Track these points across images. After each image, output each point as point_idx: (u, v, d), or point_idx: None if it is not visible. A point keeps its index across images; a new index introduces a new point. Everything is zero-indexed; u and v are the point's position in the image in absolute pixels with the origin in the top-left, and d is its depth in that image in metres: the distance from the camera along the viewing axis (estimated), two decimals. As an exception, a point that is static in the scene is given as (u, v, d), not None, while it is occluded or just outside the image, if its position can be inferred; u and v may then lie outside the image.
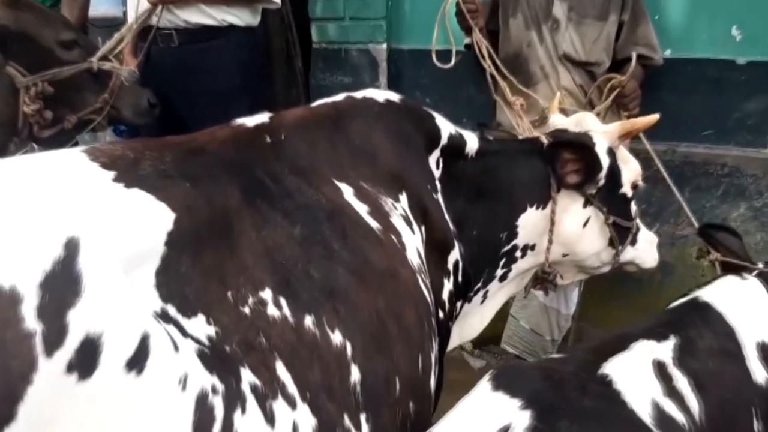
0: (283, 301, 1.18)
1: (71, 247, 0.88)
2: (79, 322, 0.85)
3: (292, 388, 1.13)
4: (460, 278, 1.79)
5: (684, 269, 3.31)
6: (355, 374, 1.23)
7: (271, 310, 1.16)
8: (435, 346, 1.53)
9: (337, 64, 3.99)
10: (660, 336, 1.42)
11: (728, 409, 1.37)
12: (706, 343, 1.44)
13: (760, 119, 3.18)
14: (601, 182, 1.98)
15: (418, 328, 1.42)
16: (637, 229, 2.20)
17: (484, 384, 1.25)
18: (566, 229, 2.02)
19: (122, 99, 2.61)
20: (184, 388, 0.96)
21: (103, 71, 2.53)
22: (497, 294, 2.09)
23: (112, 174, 1.09)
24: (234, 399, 1.03)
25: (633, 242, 2.18)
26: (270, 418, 1.08)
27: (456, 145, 1.84)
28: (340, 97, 1.71)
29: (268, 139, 1.46)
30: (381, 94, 1.75)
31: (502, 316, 3.16)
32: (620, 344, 1.38)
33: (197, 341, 1.04)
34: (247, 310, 1.13)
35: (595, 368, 1.30)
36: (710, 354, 1.42)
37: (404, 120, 1.73)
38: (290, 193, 1.35)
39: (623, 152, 2.13)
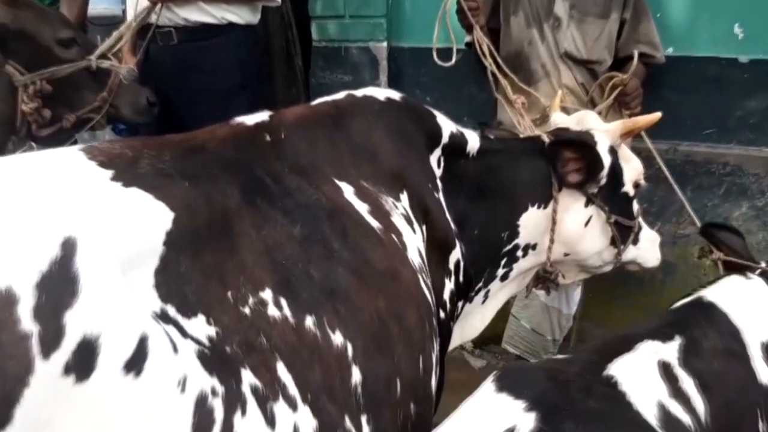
0: (283, 301, 1.17)
1: (68, 247, 0.87)
2: (76, 324, 0.84)
3: (292, 390, 1.12)
4: (461, 278, 1.78)
5: (686, 268, 3.30)
6: (356, 375, 1.22)
7: (272, 311, 1.15)
8: (436, 346, 1.52)
9: (337, 63, 3.98)
10: (665, 336, 1.41)
11: (733, 409, 1.36)
12: (711, 343, 1.44)
13: (763, 118, 3.17)
14: (603, 181, 1.97)
15: (419, 328, 1.41)
16: (639, 228, 2.19)
17: (488, 385, 1.23)
18: (568, 229, 2.01)
19: (121, 97, 2.60)
20: (183, 390, 0.95)
21: (102, 70, 2.52)
22: (498, 293, 2.09)
23: (109, 173, 1.08)
24: (234, 401, 1.02)
25: (635, 241, 2.17)
26: (270, 420, 1.07)
27: (457, 143, 1.83)
28: (340, 95, 1.70)
29: (268, 138, 1.45)
30: (382, 93, 1.74)
31: (503, 315, 3.15)
32: (625, 345, 1.37)
33: (197, 342, 1.03)
34: (247, 310, 1.12)
35: (600, 369, 1.29)
36: (715, 354, 1.41)
37: (405, 118, 1.72)
38: (290, 192, 1.34)
39: (625, 151, 2.12)
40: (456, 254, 1.75)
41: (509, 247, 1.99)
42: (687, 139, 3.29)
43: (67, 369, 0.83)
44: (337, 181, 1.47)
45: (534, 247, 2.03)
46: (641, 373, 1.30)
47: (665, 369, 1.33)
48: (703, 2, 3.20)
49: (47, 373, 0.81)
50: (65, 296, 0.84)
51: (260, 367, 1.09)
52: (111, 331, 0.87)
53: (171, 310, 1.03)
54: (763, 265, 1.84)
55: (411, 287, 1.44)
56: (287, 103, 1.67)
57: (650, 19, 3.00)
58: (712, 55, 3.20)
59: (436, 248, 1.68)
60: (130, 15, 2.93)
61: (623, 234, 2.10)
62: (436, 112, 1.83)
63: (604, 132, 2.05)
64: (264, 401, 1.07)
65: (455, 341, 1.98)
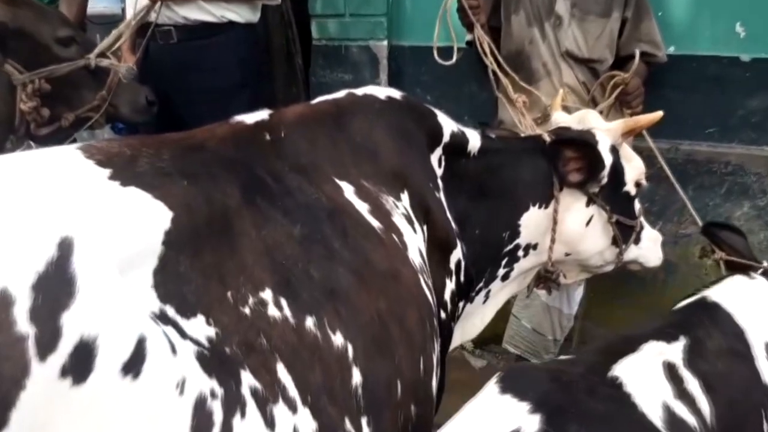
0: (283, 302, 1.16)
1: (65, 248, 0.86)
2: (73, 325, 0.83)
3: (292, 391, 1.11)
4: (462, 278, 1.77)
5: (687, 268, 3.29)
6: (357, 377, 1.21)
7: (272, 311, 1.14)
8: (437, 347, 1.51)
9: (337, 61, 3.97)
10: (669, 337, 1.41)
11: (737, 410, 1.36)
12: (715, 343, 1.43)
13: (764, 117, 3.16)
14: (604, 180, 1.97)
15: (420, 329, 1.40)
16: (641, 228, 2.18)
17: (491, 386, 1.22)
18: (569, 228, 2.01)
19: (120, 96, 2.59)
20: (181, 392, 0.94)
21: (101, 68, 2.51)
22: (499, 293, 2.08)
23: (107, 172, 1.07)
24: (233, 403, 1.01)
25: (637, 241, 2.16)
26: (270, 423, 1.06)
27: (458, 143, 1.83)
28: (341, 94, 1.69)
29: (268, 137, 1.44)
30: (382, 91, 1.74)
31: (503, 315, 3.14)
32: (629, 345, 1.37)
33: (196, 343, 1.02)
34: (247, 310, 1.11)
35: (605, 370, 1.28)
36: (719, 355, 1.41)
37: (406, 117, 1.71)
38: (290, 192, 1.34)
39: (626, 150, 2.12)
40: (457, 254, 1.74)
41: (510, 246, 1.98)
42: (688, 138, 3.28)
43: (64, 371, 0.82)
44: (337, 181, 1.46)
45: (535, 246, 2.02)
46: (646, 374, 1.29)
47: (670, 370, 1.32)
48: (705, 1, 3.19)
49: (44, 376, 0.80)
50: (62, 297, 0.83)
51: (260, 368, 1.08)
52: (108, 333, 0.86)
53: (170, 311, 1.02)
54: (765, 264, 1.83)
55: (412, 288, 1.43)
56: (287, 102, 1.66)
57: (652, 18, 2.99)
58: (714, 54, 3.19)
59: (437, 248, 1.67)
60: (129, 13, 2.92)
61: (625, 233, 2.09)
62: (437, 111, 1.82)
63: (606, 131, 2.04)
64: (264, 403, 1.06)
65: (455, 341, 1.97)
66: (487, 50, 2.60)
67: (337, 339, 1.20)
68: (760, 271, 1.78)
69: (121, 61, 2.70)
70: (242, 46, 3.11)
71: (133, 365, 0.88)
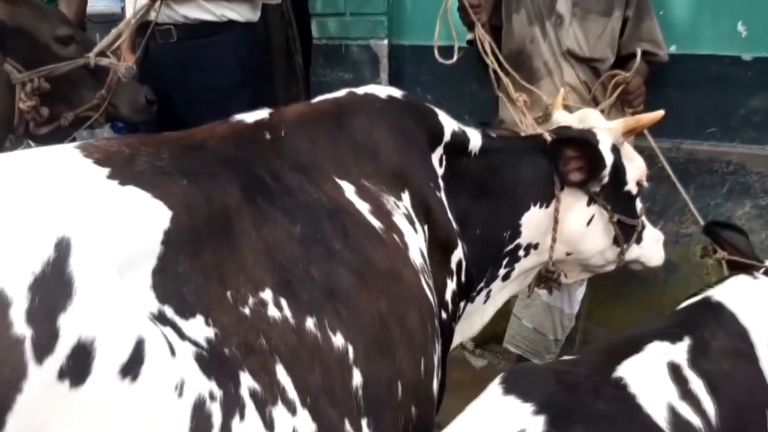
0: (283, 302, 1.16)
1: (62, 248, 0.85)
2: (70, 327, 0.82)
3: (292, 393, 1.10)
4: (463, 278, 1.76)
5: (688, 267, 3.29)
6: (357, 378, 1.21)
7: (272, 311, 1.13)
8: (438, 348, 1.50)
9: (337, 60, 3.97)
10: (674, 337, 1.40)
11: (741, 410, 1.35)
12: (719, 343, 1.43)
13: (766, 116, 3.15)
14: (605, 180, 1.97)
15: (421, 330, 1.39)
16: (643, 227, 2.17)
17: (495, 387, 1.21)
18: (570, 228, 2.00)
19: (120, 95, 2.58)
20: (180, 394, 0.93)
21: (101, 67, 2.50)
22: (500, 293, 2.08)
23: (106, 171, 1.06)
24: (232, 405, 1.00)
25: (638, 240, 2.15)
26: (269, 425, 1.05)
27: (459, 142, 1.82)
28: (341, 93, 1.69)
29: (268, 136, 1.43)
30: (383, 90, 1.73)
31: (504, 315, 3.14)
32: (633, 346, 1.36)
33: (195, 344, 1.01)
34: (246, 310, 1.10)
35: (609, 371, 1.28)
36: (724, 355, 1.40)
37: (407, 116, 1.70)
38: (291, 191, 1.33)
39: (628, 149, 2.11)
40: (458, 254, 1.73)
41: (511, 246, 1.97)
42: (690, 138, 3.27)
43: (62, 374, 0.81)
44: (338, 180, 1.45)
45: (536, 246, 2.02)
46: (651, 375, 1.29)
47: (675, 370, 1.32)
48: (706, 0, 3.18)
49: (41, 379, 0.80)
50: (59, 299, 0.82)
51: (259, 369, 1.07)
52: (107, 335, 0.85)
53: (168, 311, 1.01)
54: (767, 264, 1.82)
55: (413, 288, 1.42)
56: (287, 101, 1.65)
57: (653, 17, 2.99)
58: (715, 53, 3.18)
59: (438, 248, 1.66)
60: (129, 12, 2.91)
61: (626, 233, 2.09)
62: (437, 110, 1.81)
63: (607, 130, 2.03)
64: (263, 405, 1.06)
65: (455, 341, 1.96)
66: (488, 49, 2.58)
67: (338, 340, 1.20)
68: (762, 270, 1.77)
69: (121, 60, 2.69)
70: (242, 45, 3.10)
71: (132, 367, 0.87)
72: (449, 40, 2.64)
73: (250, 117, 1.46)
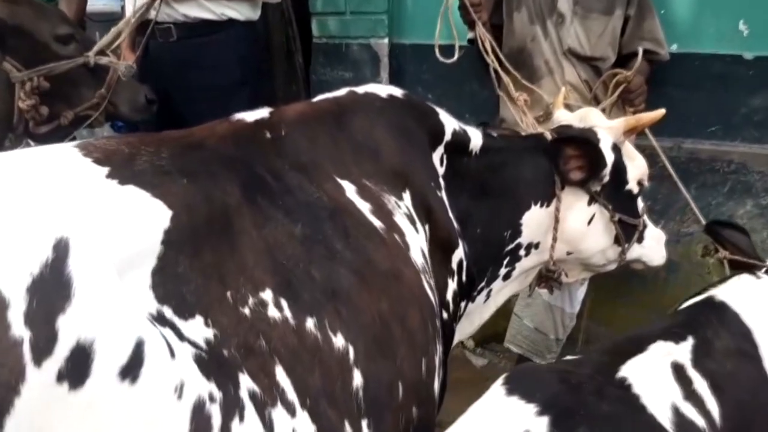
0: (283, 303, 1.15)
1: (61, 249, 0.84)
2: (69, 329, 0.81)
3: (291, 395, 1.10)
4: (464, 278, 1.76)
5: (689, 267, 3.28)
6: (358, 379, 1.20)
7: (272, 312, 1.13)
8: (439, 348, 1.50)
9: (338, 59, 3.96)
10: (677, 337, 1.40)
11: (745, 410, 1.34)
12: (722, 343, 1.42)
13: (767, 115, 3.14)
14: (606, 179, 1.96)
15: (422, 330, 1.39)
16: (644, 227, 2.17)
17: (498, 388, 1.21)
18: (571, 227, 2.00)
19: (119, 94, 2.57)
20: (180, 396, 0.93)
21: (100, 66, 2.50)
22: (500, 292, 2.08)
23: (105, 170, 1.05)
24: (232, 407, 1.00)
25: (640, 240, 2.15)
26: (269, 427, 1.05)
27: (460, 141, 1.82)
28: (342, 92, 1.68)
29: (269, 135, 1.43)
30: (384, 89, 1.73)
31: (505, 314, 3.13)
32: (637, 346, 1.35)
33: (194, 345, 1.01)
34: (246, 311, 1.10)
35: (613, 371, 1.27)
36: (727, 355, 1.40)
37: (407, 115, 1.70)
38: (291, 190, 1.32)
39: (629, 149, 2.11)
40: (459, 254, 1.73)
41: (512, 245, 1.97)
42: (691, 137, 3.26)
43: (61, 376, 0.81)
44: (338, 180, 1.45)
45: (537, 245, 2.01)
46: (654, 375, 1.28)
47: (678, 371, 1.31)
48: (708, -2, 3.18)
49: (40, 381, 0.79)
50: (58, 300, 0.82)
51: (259, 371, 1.07)
52: (106, 337, 0.84)
53: (168, 312, 1.01)
54: (768, 263, 1.82)
55: (414, 288, 1.41)
56: (287, 100, 1.65)
57: (654, 16, 2.98)
58: (717, 52, 3.16)
59: (439, 248, 1.66)
60: (128, 11, 2.91)
61: (628, 232, 2.08)
62: (438, 109, 1.81)
63: (608, 129, 2.03)
64: (262, 407, 1.05)
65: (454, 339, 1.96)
66: (489, 48, 2.58)
67: (338, 340, 1.19)
68: (764, 269, 1.77)
69: (121, 59, 2.68)
70: (242, 44, 3.09)
71: (131, 369, 0.87)
72: (450, 38, 2.63)
73: (250, 116, 1.45)
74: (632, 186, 2.07)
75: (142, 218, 1.03)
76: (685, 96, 3.19)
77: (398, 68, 3.90)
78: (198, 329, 1.03)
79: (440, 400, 1.57)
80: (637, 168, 2.09)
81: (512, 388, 1.19)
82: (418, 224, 1.58)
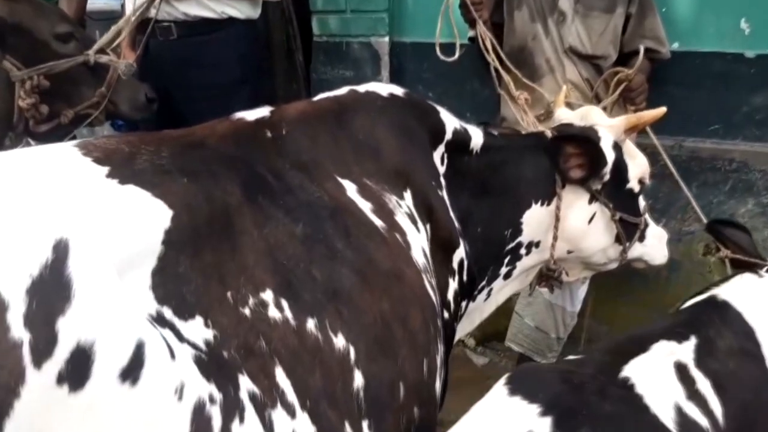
0: (284, 303, 1.15)
1: (60, 250, 0.84)
2: (69, 331, 0.81)
3: (291, 396, 1.10)
4: (465, 277, 1.76)
5: (691, 265, 3.27)
6: (358, 379, 1.20)
7: (272, 312, 1.12)
8: (440, 348, 1.49)
9: (338, 58, 3.95)
10: (680, 336, 1.39)
11: (748, 410, 1.34)
12: (725, 342, 1.42)
13: (769, 114, 3.13)
14: (607, 177, 1.96)
15: (423, 330, 1.38)
16: (646, 225, 2.17)
17: (500, 388, 1.20)
18: (571, 226, 2.00)
19: (120, 93, 2.57)
20: (180, 398, 0.92)
21: (100, 65, 2.49)
22: (501, 291, 2.07)
23: (105, 169, 1.05)
24: (232, 408, 1.00)
25: (641, 238, 2.15)
26: (269, 428, 1.05)
27: (461, 140, 1.81)
28: (342, 90, 1.68)
29: (269, 134, 1.42)
30: (384, 88, 1.72)
31: (506, 312, 3.13)
32: (639, 345, 1.35)
33: (194, 346, 1.00)
34: (247, 311, 1.09)
35: (615, 371, 1.27)
36: (730, 354, 1.40)
37: (408, 114, 1.70)
38: (292, 190, 1.32)
39: (630, 147, 2.10)
40: (460, 253, 1.72)
41: (512, 244, 1.97)
42: (692, 135, 3.25)
43: (61, 378, 0.80)
44: (339, 179, 1.44)
45: (537, 244, 2.01)
46: (657, 375, 1.28)
47: (681, 370, 1.31)
48: (709, -3, 3.17)
49: (39, 383, 0.79)
50: (58, 302, 0.81)
51: (259, 372, 1.06)
52: (106, 338, 0.84)
53: (168, 313, 1.00)
54: (770, 262, 1.81)
55: (415, 288, 1.41)
56: (288, 99, 1.65)
57: (656, 14, 2.97)
58: (718, 50, 3.16)
59: (440, 247, 1.66)
60: (128, 10, 2.90)
61: (629, 231, 2.08)
62: (439, 108, 1.80)
63: (608, 127, 2.03)
64: (262, 408, 1.05)
65: (454, 338, 1.96)
66: (490, 47, 2.57)
67: (339, 341, 1.19)
68: (766, 268, 1.76)
69: (121, 58, 2.67)
70: (242, 43, 3.09)
71: (132, 371, 0.86)
72: (451, 37, 2.63)
73: (250, 115, 1.45)
74: (633, 184, 2.07)
75: (143, 218, 1.03)
76: (687, 94, 3.18)
77: (399, 67, 3.89)
78: (198, 330, 1.03)
79: (441, 399, 1.56)
80: (638, 166, 2.08)
81: (515, 388, 1.18)
82: (420, 223, 1.58)
